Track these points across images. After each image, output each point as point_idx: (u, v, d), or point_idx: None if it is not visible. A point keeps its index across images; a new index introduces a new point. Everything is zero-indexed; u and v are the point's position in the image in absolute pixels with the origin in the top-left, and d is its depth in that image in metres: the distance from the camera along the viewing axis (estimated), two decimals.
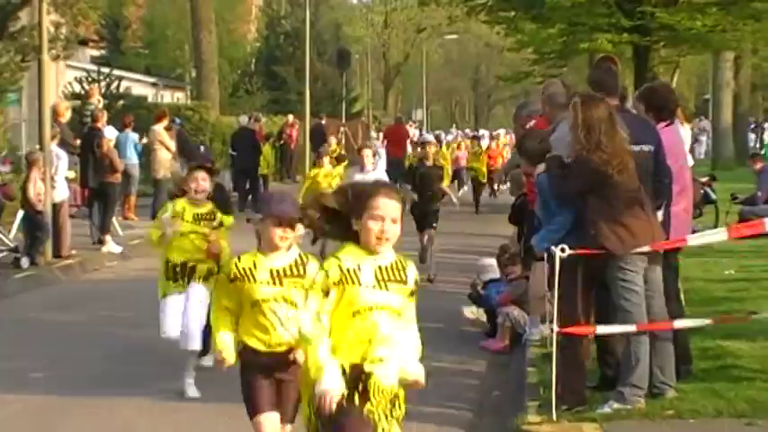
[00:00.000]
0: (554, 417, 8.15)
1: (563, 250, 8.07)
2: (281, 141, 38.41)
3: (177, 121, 28.07)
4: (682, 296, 9.55)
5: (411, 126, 49.11)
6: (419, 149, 18.84)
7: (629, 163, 8.21)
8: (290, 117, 40.23)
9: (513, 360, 11.32)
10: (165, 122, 25.27)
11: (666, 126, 9.12)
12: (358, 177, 14.62)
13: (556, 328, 8.22)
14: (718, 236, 8.88)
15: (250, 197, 28.49)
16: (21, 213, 18.25)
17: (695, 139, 48.23)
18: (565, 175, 8.31)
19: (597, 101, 8.40)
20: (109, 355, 11.72)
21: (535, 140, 9.08)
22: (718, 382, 8.92)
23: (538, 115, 11.20)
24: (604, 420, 8.09)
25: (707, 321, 8.84)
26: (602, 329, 8.47)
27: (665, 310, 8.51)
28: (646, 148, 8.61)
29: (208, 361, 10.08)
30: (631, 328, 8.20)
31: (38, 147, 18.47)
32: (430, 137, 16.80)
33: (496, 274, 13.04)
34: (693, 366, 9.29)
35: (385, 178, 14.55)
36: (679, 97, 11.31)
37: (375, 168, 17.02)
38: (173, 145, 24.88)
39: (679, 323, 8.61)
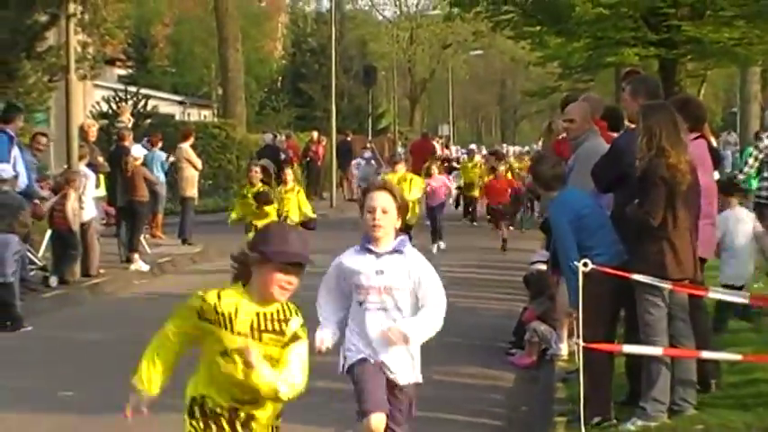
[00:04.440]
0: None
1: (585, 265, 8.04)
2: (308, 159, 38.49)
3: None
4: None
5: (437, 141, 49.09)
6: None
7: (689, 175, 8.16)
8: (315, 134, 40.28)
9: (542, 375, 11.29)
10: (192, 140, 25.44)
11: (696, 139, 9.08)
12: None
13: (582, 344, 8.19)
14: (740, 299, 8.82)
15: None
16: (49, 232, 18.34)
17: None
18: (646, 202, 8.17)
19: (661, 109, 8.37)
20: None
21: (548, 165, 9.05)
22: (748, 397, 8.87)
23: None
24: None
25: (738, 357, 8.78)
26: (629, 348, 8.45)
27: (690, 330, 8.45)
28: None
29: None
30: (658, 351, 8.15)
31: (66, 166, 18.57)
32: None
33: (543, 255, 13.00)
34: (722, 380, 9.24)
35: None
36: (706, 111, 11.29)
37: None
38: (199, 163, 25.01)
39: (708, 354, 8.56)
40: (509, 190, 26.11)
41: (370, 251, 6.66)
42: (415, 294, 6.62)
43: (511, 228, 25.14)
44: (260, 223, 17.48)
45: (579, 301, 8.09)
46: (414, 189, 21.31)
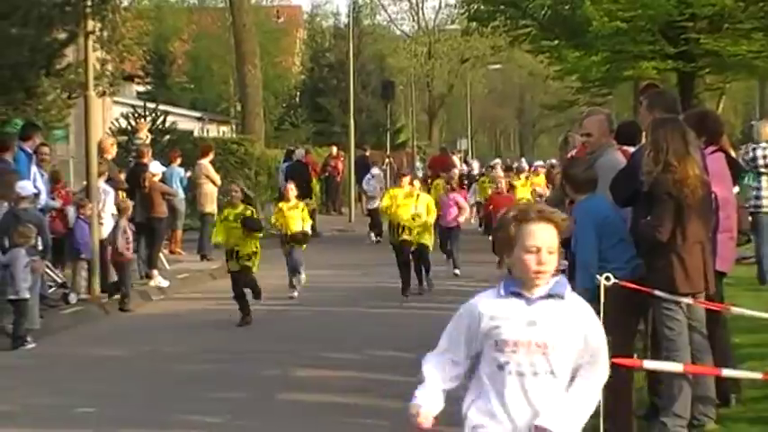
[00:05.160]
0: None
1: (608, 278, 8.02)
2: (326, 174, 38.51)
3: None
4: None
5: (457, 156, 49.07)
6: None
7: (700, 189, 8.15)
8: (334, 149, 40.35)
9: None
10: (211, 157, 25.55)
11: (714, 152, 9.05)
12: None
13: None
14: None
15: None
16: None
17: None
18: (654, 218, 8.15)
19: (669, 123, 8.34)
20: (157, 389, 11.75)
21: (580, 168, 9.03)
22: None
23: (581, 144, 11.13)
24: None
25: (758, 376, 8.73)
26: (650, 364, 8.40)
27: (708, 345, 8.42)
28: None
29: None
30: (679, 367, 8.11)
31: (84, 183, 18.62)
32: None
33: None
34: (742, 395, 9.19)
35: None
36: (725, 124, 11.25)
37: None
38: (218, 179, 25.06)
39: (728, 372, 8.52)
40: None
41: (519, 295, 4.89)
42: (576, 353, 4.92)
43: None
44: (246, 248, 16.13)
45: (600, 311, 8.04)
46: (422, 209, 18.67)
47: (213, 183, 24.76)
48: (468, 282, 19.54)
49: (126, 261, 17.46)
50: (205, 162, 25.01)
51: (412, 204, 18.54)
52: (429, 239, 18.95)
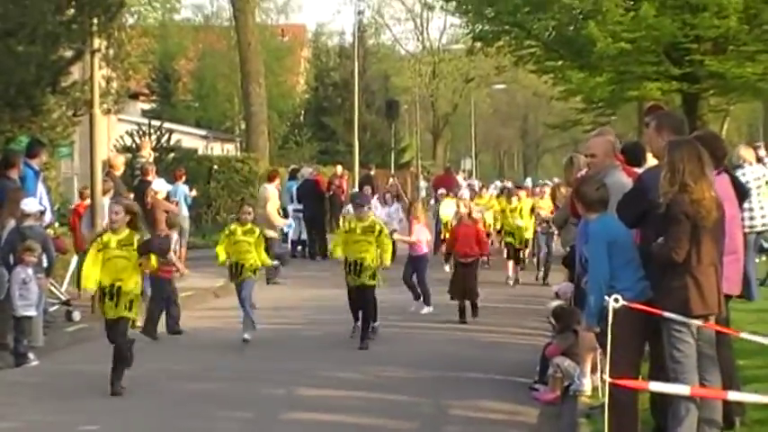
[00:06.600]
0: None
1: (616, 300, 8.02)
2: (331, 192, 38.52)
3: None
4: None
5: (461, 175, 49.08)
6: None
7: (715, 211, 8.18)
8: (339, 168, 40.42)
9: (565, 411, 11.24)
10: (278, 182, 25.66)
11: (717, 174, 9.04)
12: None
13: (608, 379, 8.14)
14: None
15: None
16: (73, 264, 18.39)
17: None
18: (669, 238, 8.17)
19: (684, 143, 8.37)
20: (160, 407, 11.74)
21: (593, 186, 9.03)
22: None
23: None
24: None
25: (766, 399, 8.69)
26: (655, 386, 8.38)
27: (717, 367, 8.41)
28: None
29: None
30: (686, 390, 8.09)
31: (89, 200, 18.62)
32: None
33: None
34: (747, 417, 9.16)
35: None
36: (729, 145, 11.22)
37: None
38: (280, 221, 24.83)
39: (734, 395, 8.49)
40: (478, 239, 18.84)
41: None
42: None
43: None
44: (128, 285, 12.16)
45: (608, 330, 8.02)
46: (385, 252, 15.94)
47: (272, 222, 24.51)
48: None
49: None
50: (271, 187, 25.10)
51: (372, 241, 15.72)
52: (375, 279, 15.80)
